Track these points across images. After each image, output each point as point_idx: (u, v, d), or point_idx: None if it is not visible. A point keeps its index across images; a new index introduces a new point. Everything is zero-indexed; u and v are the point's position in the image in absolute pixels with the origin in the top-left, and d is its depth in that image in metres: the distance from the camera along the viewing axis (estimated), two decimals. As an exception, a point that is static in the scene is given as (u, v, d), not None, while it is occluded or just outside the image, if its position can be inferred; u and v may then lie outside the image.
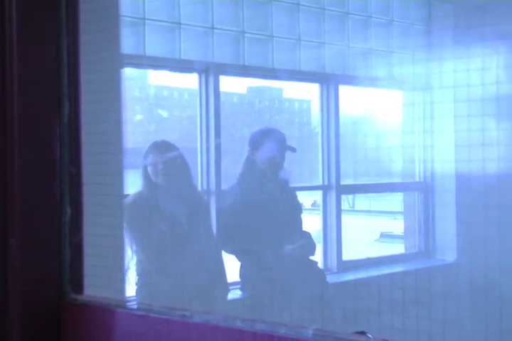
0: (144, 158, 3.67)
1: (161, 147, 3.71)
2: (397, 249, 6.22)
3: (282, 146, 4.11)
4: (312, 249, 4.16)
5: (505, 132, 4.95)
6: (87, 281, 1.46)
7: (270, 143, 4.08)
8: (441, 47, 5.03)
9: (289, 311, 3.77)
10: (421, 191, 5.53)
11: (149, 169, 3.63)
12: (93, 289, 1.48)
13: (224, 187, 4.27)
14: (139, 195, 3.65)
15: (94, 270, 1.55)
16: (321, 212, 5.03)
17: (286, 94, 7.56)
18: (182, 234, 3.65)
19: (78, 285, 1.45)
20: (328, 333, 1.12)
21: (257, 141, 4.11)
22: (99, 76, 2.08)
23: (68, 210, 1.45)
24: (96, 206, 1.70)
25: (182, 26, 4.26)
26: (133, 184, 3.67)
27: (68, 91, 1.45)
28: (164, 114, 5.98)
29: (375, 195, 9.63)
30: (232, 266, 4.05)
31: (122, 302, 1.44)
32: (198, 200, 3.92)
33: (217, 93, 4.32)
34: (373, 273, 4.93)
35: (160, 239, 3.57)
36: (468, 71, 4.58)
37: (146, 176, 3.65)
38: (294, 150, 4.14)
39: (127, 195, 3.57)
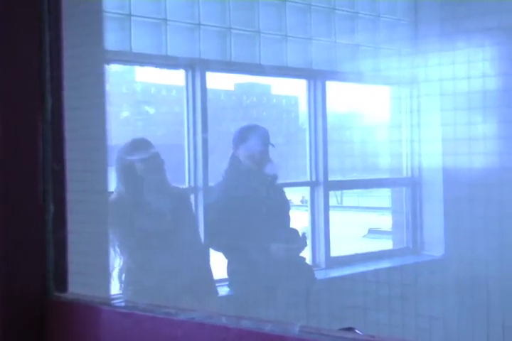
0: (121, 155, 3.65)
1: (135, 145, 3.69)
2: (385, 244, 6.24)
3: (264, 142, 4.11)
4: (301, 247, 4.16)
5: (492, 126, 4.96)
6: (71, 279, 1.44)
7: (251, 140, 4.09)
8: (428, 40, 5.04)
9: (277, 307, 3.77)
10: (408, 186, 5.54)
11: (124, 167, 3.61)
12: (77, 287, 1.47)
13: (211, 183, 4.26)
14: (118, 193, 3.64)
15: (78, 267, 1.53)
16: (308, 208, 5.03)
17: (273, 91, 7.57)
18: (163, 230, 3.64)
19: (62, 283, 1.43)
20: (314, 330, 1.12)
21: (238, 138, 4.12)
22: (82, 71, 2.06)
23: (52, 207, 1.43)
24: (80, 203, 1.69)
25: (168, 22, 4.24)
26: (115, 181, 3.65)
27: (51, 87, 1.43)
28: (151, 110, 5.97)
29: (362, 191, 9.65)
30: (219, 263, 4.04)
31: (107, 300, 1.42)
32: (178, 196, 3.90)
33: (203, 89, 4.31)
34: (361, 269, 4.94)
35: (141, 236, 3.56)
36: (454, 64, 4.59)
37: (124, 173, 3.63)
38: (272, 145, 4.15)
39: (111, 192, 3.56)
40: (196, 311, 1.26)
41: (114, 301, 1.41)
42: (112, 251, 3.44)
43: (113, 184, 3.61)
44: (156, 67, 4.38)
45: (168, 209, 3.69)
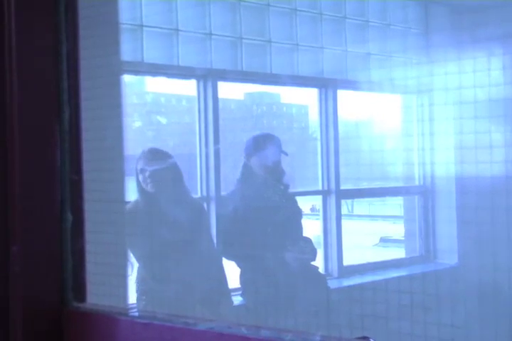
0: (140, 165, 3.65)
1: (152, 155, 3.68)
2: (398, 253, 6.22)
3: (278, 151, 4.10)
4: (313, 255, 4.15)
5: (505, 134, 4.94)
6: (89, 289, 1.44)
7: (264, 149, 4.08)
8: (439, 49, 5.03)
9: (290, 317, 3.76)
10: (421, 194, 5.52)
11: (140, 177, 3.61)
12: (95, 297, 1.47)
13: (223, 193, 4.26)
14: (135, 203, 3.64)
15: (96, 277, 1.53)
16: (321, 217, 5.02)
17: (283, 100, 7.57)
18: (179, 241, 3.64)
19: (80, 293, 1.43)
20: (335, 339, 1.11)
21: (251, 147, 4.10)
22: (99, 82, 2.07)
23: (69, 217, 1.43)
24: (97, 213, 1.69)
25: (180, 33, 4.25)
26: (133, 191, 3.66)
27: (68, 97, 1.44)
28: (163, 120, 5.98)
29: (374, 199, 9.63)
30: (232, 273, 4.03)
31: (125, 310, 1.42)
32: (195, 207, 3.90)
33: (215, 99, 4.32)
34: (374, 277, 4.92)
35: (156, 246, 3.56)
36: (467, 73, 4.58)
37: (138, 184, 3.63)
38: (285, 154, 4.14)
39: (128, 202, 3.56)
40: (215, 321, 1.25)
41: (131, 311, 1.41)
42: (129, 260, 3.44)
43: (132, 193, 3.61)
44: (168, 77, 4.39)
45: (185, 218, 3.69)
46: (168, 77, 4.40)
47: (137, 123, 5.33)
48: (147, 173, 3.59)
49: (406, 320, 3.83)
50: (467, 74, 4.63)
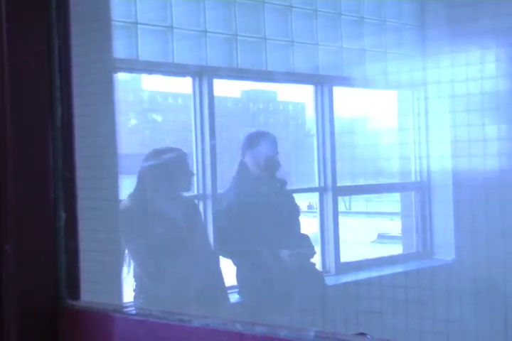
0: (144, 162, 3.65)
1: (165, 151, 3.71)
2: (395, 249, 6.21)
3: (273, 148, 4.10)
4: (311, 252, 4.15)
5: (502, 127, 4.94)
6: (83, 287, 1.44)
7: (259, 147, 4.08)
8: (435, 43, 5.03)
9: (287, 314, 3.75)
10: (418, 190, 5.52)
11: (151, 172, 3.62)
12: (90, 295, 1.46)
13: (220, 190, 4.26)
14: (132, 199, 3.63)
15: (90, 275, 1.53)
16: (318, 214, 5.02)
17: (280, 97, 7.56)
18: (177, 238, 3.63)
19: (75, 291, 1.43)
20: (329, 335, 1.11)
21: (247, 144, 4.11)
22: (91, 79, 2.06)
23: (63, 215, 1.43)
24: (91, 211, 1.69)
25: (175, 30, 4.24)
26: (128, 189, 3.65)
27: (60, 95, 1.43)
28: (159, 118, 5.98)
29: (371, 196, 9.62)
30: (228, 270, 4.03)
31: (120, 308, 1.42)
32: (191, 204, 3.91)
33: (211, 96, 4.31)
34: (372, 274, 4.92)
35: (154, 243, 3.55)
36: (461, 66, 4.58)
37: (143, 179, 3.63)
38: (277, 152, 4.14)
39: (122, 200, 3.55)
40: (210, 318, 1.25)
41: (128, 309, 1.41)
42: (124, 258, 3.43)
43: (126, 191, 3.60)
44: (163, 74, 4.38)
45: (180, 216, 3.69)
46: (164, 74, 4.39)
47: (133, 121, 5.32)
48: (159, 168, 3.59)
49: (406, 316, 3.83)
50: (462, 68, 4.64)
